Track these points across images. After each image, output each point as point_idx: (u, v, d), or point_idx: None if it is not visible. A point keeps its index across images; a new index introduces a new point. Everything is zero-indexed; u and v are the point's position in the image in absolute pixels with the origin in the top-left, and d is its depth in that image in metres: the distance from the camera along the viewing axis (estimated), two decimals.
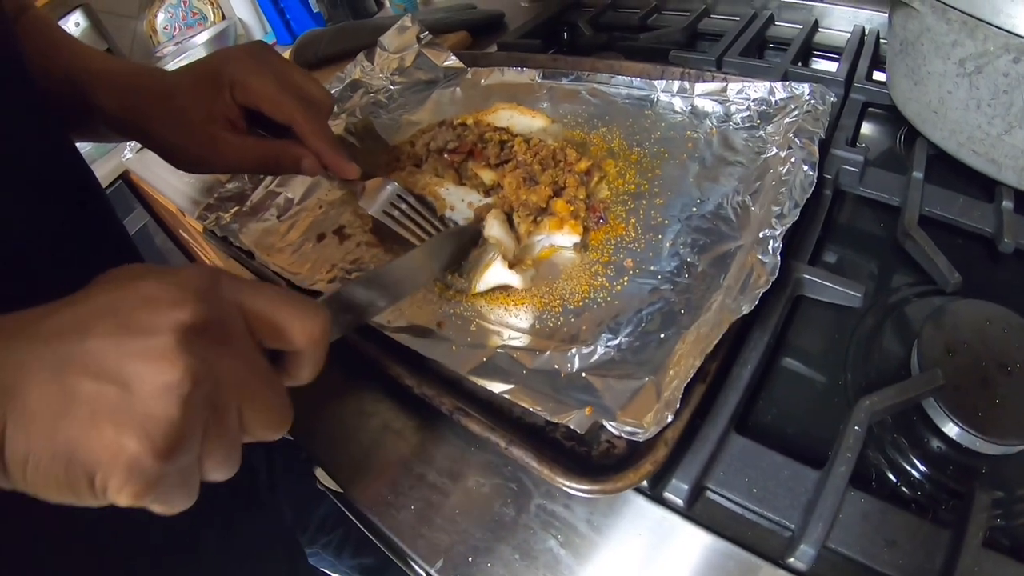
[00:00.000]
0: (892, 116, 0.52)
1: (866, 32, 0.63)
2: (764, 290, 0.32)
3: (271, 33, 1.55)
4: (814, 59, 0.66)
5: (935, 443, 0.33)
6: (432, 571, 0.34)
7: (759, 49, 0.67)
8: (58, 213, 0.40)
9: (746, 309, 0.31)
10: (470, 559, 0.33)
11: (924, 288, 0.40)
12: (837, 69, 0.57)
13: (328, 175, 0.44)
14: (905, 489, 0.32)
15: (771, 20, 0.69)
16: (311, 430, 0.42)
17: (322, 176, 0.44)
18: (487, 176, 0.44)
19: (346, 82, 0.68)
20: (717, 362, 0.32)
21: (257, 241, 0.53)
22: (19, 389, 0.22)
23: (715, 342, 0.30)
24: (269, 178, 0.60)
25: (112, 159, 1.25)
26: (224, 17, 1.81)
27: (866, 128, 0.55)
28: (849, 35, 0.63)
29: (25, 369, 0.23)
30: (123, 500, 0.23)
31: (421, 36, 0.70)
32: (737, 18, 0.71)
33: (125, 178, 1.29)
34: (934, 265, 0.38)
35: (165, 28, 1.69)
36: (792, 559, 0.28)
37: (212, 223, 0.57)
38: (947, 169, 0.46)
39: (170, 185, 0.82)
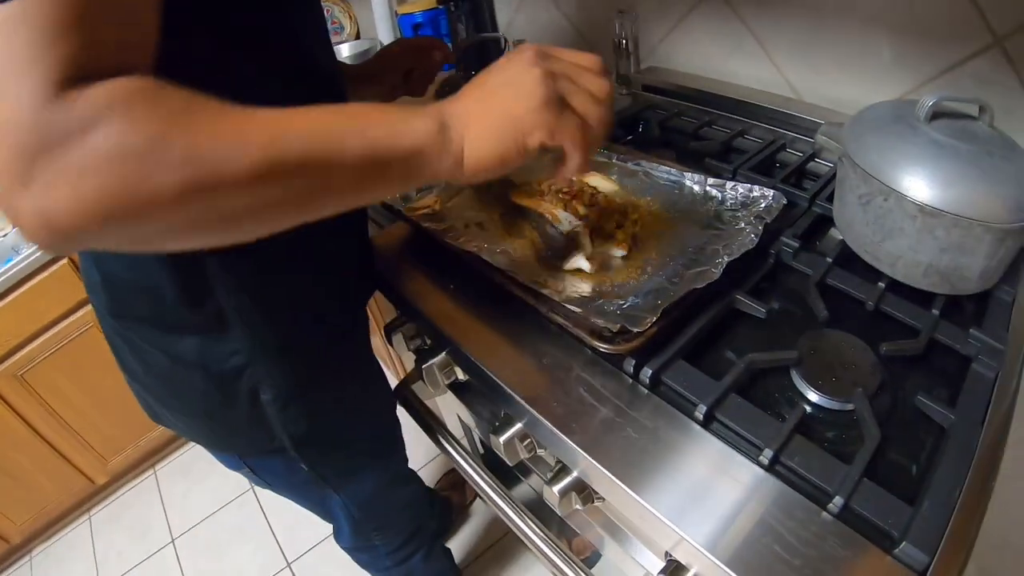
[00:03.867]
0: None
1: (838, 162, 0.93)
2: (710, 280, 0.63)
3: None
4: (805, 180, 0.94)
5: (795, 396, 0.60)
6: (516, 394, 0.62)
7: (768, 167, 0.95)
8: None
9: (698, 285, 0.62)
10: (538, 393, 0.62)
11: (813, 323, 0.68)
12: (809, 189, 0.87)
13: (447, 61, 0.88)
14: (770, 411, 0.59)
15: (782, 147, 0.97)
16: (452, 332, 0.73)
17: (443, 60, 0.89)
18: (582, 210, 0.76)
19: None
20: (678, 312, 0.63)
21: (418, 218, 0.84)
22: (464, 113, 0.43)
23: (676, 299, 0.62)
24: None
25: None
26: (359, 33, 2.10)
27: (832, 232, 0.83)
28: (830, 167, 0.92)
29: (463, 107, 0.44)
30: (546, 140, 0.44)
31: None
32: (760, 141, 1.00)
33: None
34: (816, 305, 0.68)
35: None
36: (695, 414, 0.57)
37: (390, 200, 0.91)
38: (855, 262, 0.73)
39: None
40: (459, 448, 0.81)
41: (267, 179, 0.36)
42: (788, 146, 1.00)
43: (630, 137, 1.08)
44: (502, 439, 0.66)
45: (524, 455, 0.69)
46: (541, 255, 0.74)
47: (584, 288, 0.69)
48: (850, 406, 0.58)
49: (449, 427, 0.85)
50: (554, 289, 0.68)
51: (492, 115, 0.43)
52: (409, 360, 0.90)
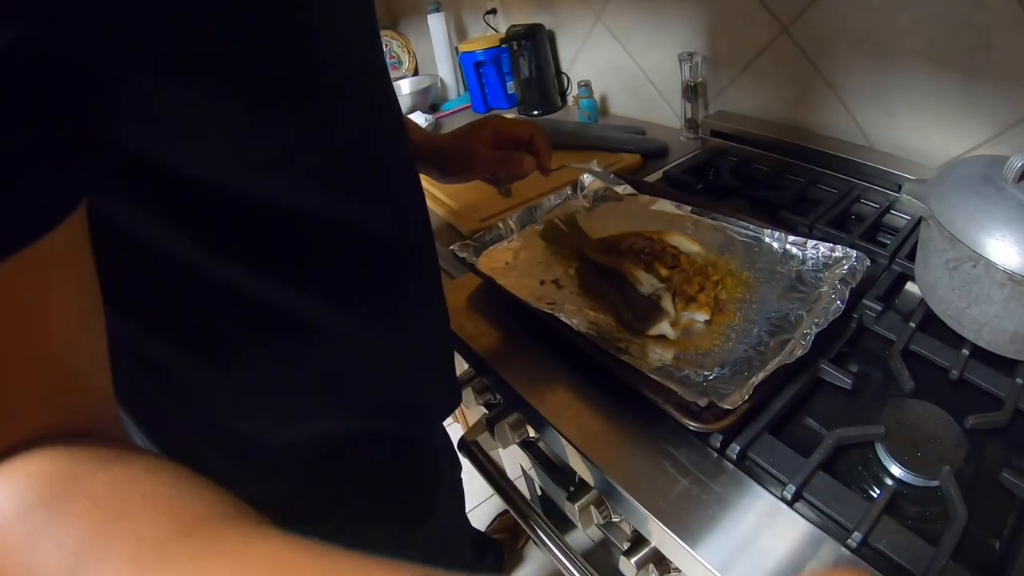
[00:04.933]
0: None
1: (920, 222, 0.92)
2: (800, 355, 0.64)
3: (466, 96, 1.85)
4: (880, 233, 0.94)
5: (880, 471, 0.59)
6: (596, 463, 0.62)
7: (843, 219, 0.95)
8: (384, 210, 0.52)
9: (788, 360, 0.64)
10: (618, 464, 0.63)
11: (897, 391, 0.68)
12: (889, 244, 0.86)
13: (545, 170, 0.80)
14: (854, 486, 0.60)
15: (857, 199, 0.97)
16: (530, 389, 0.76)
17: (533, 170, 0.79)
18: (665, 272, 0.79)
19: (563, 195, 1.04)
20: (767, 388, 0.64)
21: (491, 272, 0.87)
22: None
23: (768, 373, 0.63)
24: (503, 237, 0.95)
25: None
26: (417, 68, 2.12)
27: (910, 286, 0.83)
28: (908, 220, 0.92)
29: None
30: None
31: (607, 176, 1.04)
32: (834, 191, 1.00)
33: None
34: (900, 375, 0.68)
35: None
36: (784, 493, 0.59)
37: (461, 252, 0.89)
38: (938, 326, 0.73)
39: None
40: (517, 496, 0.83)
41: None
42: (862, 196, 1.00)
43: (700, 186, 1.10)
44: (577, 506, 0.69)
45: (598, 521, 0.71)
46: (621, 317, 0.77)
47: (666, 355, 0.71)
48: (935, 482, 0.59)
49: (509, 473, 0.87)
50: (636, 356, 0.70)
51: None
52: (476, 412, 0.91)
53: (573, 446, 0.67)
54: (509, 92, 1.74)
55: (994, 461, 0.59)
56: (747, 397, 0.61)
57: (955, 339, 0.70)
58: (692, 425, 0.62)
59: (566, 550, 0.75)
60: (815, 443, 0.62)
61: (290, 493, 0.57)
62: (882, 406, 0.67)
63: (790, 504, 0.58)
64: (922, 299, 0.77)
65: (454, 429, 0.95)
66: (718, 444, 0.64)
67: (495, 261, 0.90)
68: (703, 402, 0.62)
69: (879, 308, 0.76)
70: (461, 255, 0.89)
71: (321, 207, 0.44)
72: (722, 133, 1.20)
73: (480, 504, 1.86)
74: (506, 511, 1.76)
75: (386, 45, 2.06)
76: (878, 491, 0.59)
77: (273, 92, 0.36)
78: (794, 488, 0.58)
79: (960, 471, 0.59)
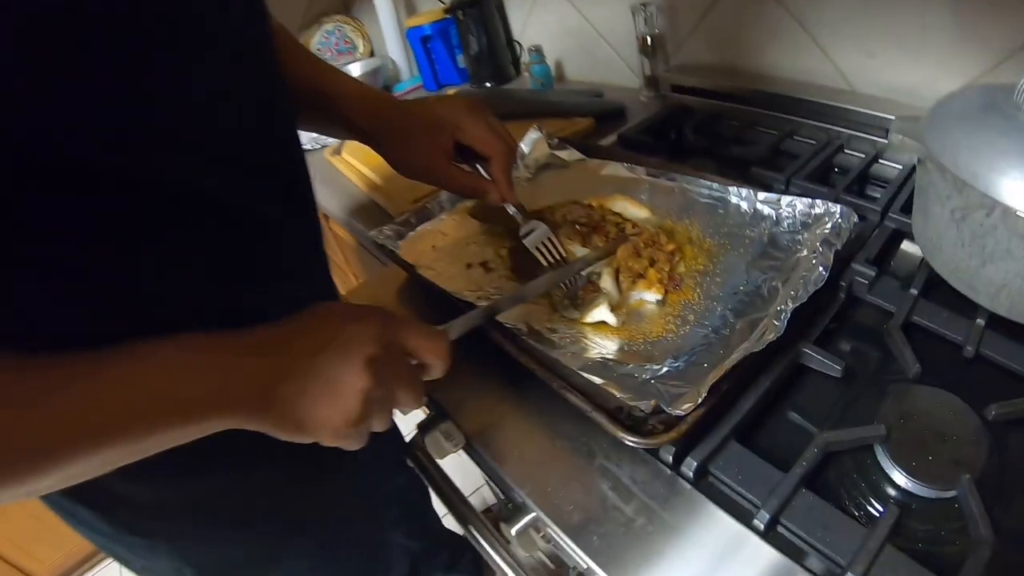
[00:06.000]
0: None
1: (914, 170, 0.78)
2: (771, 340, 0.50)
3: (418, 76, 1.75)
4: (869, 186, 0.82)
5: (880, 480, 0.47)
6: (522, 492, 0.51)
7: (825, 173, 0.83)
8: (274, 191, 0.51)
9: (757, 348, 0.49)
10: (548, 489, 0.51)
11: (899, 375, 0.55)
12: (879, 198, 0.73)
13: (502, 203, 0.65)
14: (852, 506, 0.47)
15: (840, 148, 0.85)
16: (451, 398, 0.63)
17: (497, 204, 0.65)
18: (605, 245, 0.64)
19: None
20: (728, 384, 0.49)
21: (415, 260, 0.74)
22: (281, 386, 0.40)
23: (729, 367, 0.49)
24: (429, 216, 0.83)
25: None
26: (372, 51, 2.03)
27: (906, 246, 0.69)
28: (900, 170, 0.78)
29: (283, 376, 0.40)
30: (324, 442, 0.42)
31: (551, 142, 0.90)
32: (814, 142, 0.87)
33: None
34: (903, 357, 0.54)
35: (318, 50, 1.93)
36: (755, 521, 0.45)
37: (382, 239, 0.78)
38: (944, 290, 0.60)
39: (322, 194, 1.06)
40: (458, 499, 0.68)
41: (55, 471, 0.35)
42: (846, 146, 0.87)
43: (661, 147, 0.96)
44: (514, 530, 0.55)
45: (542, 546, 0.58)
46: (556, 303, 0.63)
47: (609, 347, 0.57)
48: (951, 492, 0.46)
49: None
50: (571, 349, 0.56)
51: (300, 402, 0.41)
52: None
53: (488, 464, 0.54)
54: (460, 66, 1.64)
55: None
56: (701, 399, 0.47)
57: (967, 307, 0.58)
58: (629, 440, 0.47)
59: (514, 564, 0.61)
60: (796, 449, 0.48)
61: None
62: (881, 395, 0.53)
63: (763, 534, 0.45)
64: (923, 259, 0.64)
65: None
66: (670, 458, 0.49)
67: (421, 245, 0.78)
68: (646, 406, 0.48)
69: (872, 273, 0.62)
70: (380, 242, 0.78)
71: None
72: (685, 88, 1.09)
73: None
74: (488, 508, 1.64)
75: (339, 30, 1.96)
76: (878, 508, 0.46)
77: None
78: (768, 514, 0.44)
79: (982, 476, 0.46)
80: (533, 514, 0.52)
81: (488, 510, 1.64)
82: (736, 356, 0.50)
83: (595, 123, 1.11)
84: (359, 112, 0.64)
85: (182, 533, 0.58)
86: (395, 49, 1.87)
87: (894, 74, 0.87)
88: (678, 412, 0.47)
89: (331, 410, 0.41)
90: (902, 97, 0.87)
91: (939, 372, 0.54)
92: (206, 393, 0.39)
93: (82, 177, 0.35)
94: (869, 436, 0.48)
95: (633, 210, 0.71)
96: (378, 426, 0.45)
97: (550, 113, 1.14)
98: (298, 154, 0.55)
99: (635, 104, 1.18)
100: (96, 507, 0.53)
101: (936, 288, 0.61)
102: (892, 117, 0.82)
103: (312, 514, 0.67)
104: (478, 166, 0.67)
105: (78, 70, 0.33)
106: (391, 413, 0.46)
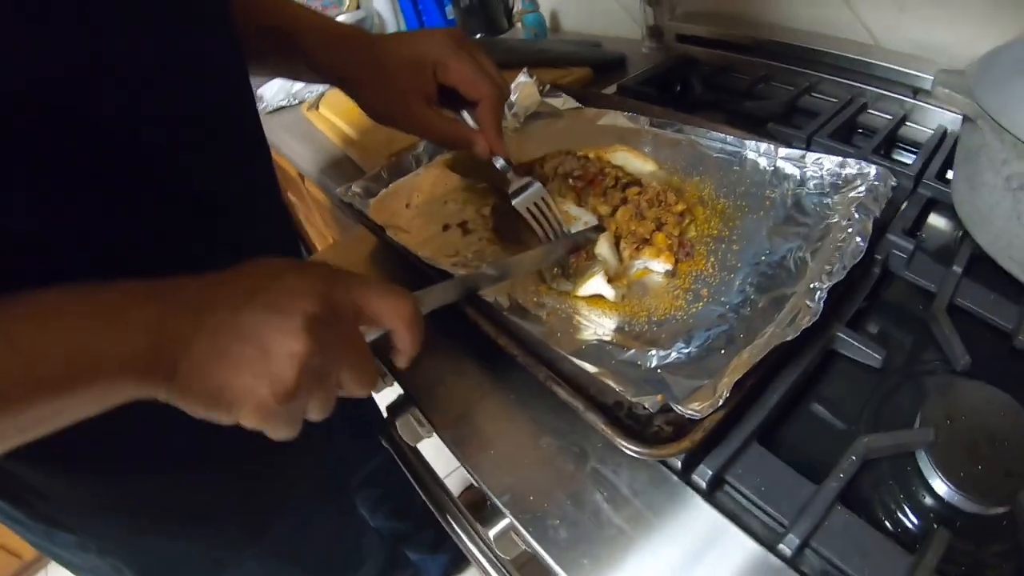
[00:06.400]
0: (954, 213, 0.59)
1: (947, 134, 0.69)
2: (807, 326, 0.42)
3: (405, 30, 1.62)
4: (896, 150, 0.73)
5: (921, 491, 0.40)
6: (499, 502, 0.43)
7: (848, 133, 0.75)
8: (226, 153, 0.48)
9: (790, 336, 0.41)
10: (531, 498, 0.43)
11: (942, 365, 0.47)
12: (912, 163, 0.64)
13: (490, 156, 0.54)
14: (887, 520, 0.39)
15: (864, 107, 0.76)
16: (418, 383, 0.54)
17: (484, 157, 0.55)
18: (603, 207, 0.55)
19: None
20: (754, 379, 0.41)
21: (386, 221, 0.64)
22: (190, 345, 0.31)
23: (758, 359, 0.40)
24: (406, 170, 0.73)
25: None
26: (359, 3, 1.92)
27: (933, 219, 0.62)
28: (931, 133, 0.70)
29: (195, 329, 0.31)
30: (247, 424, 0.32)
31: (542, 88, 0.81)
32: (835, 100, 0.78)
33: None
34: (950, 346, 0.46)
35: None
36: (781, 545, 0.37)
37: (349, 197, 0.68)
38: (989, 269, 0.53)
39: (298, 152, 0.98)
40: (431, 480, 0.63)
41: None
42: (870, 106, 0.78)
43: (666, 100, 0.85)
44: (492, 533, 0.47)
45: (524, 547, 0.49)
46: (544, 273, 0.54)
47: (607, 325, 0.49)
48: (1001, 509, 0.38)
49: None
50: (560, 329, 0.48)
51: (215, 366, 0.32)
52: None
53: (471, 472, 0.46)
54: (449, 18, 1.55)
55: None
56: (722, 401, 0.38)
57: (1015, 289, 0.51)
58: (630, 449, 0.39)
59: (495, 562, 0.55)
60: (823, 451, 0.41)
61: None
62: (920, 390, 0.46)
63: (790, 562, 0.37)
64: (963, 234, 0.56)
65: None
66: (679, 464, 0.41)
67: (394, 204, 0.69)
68: (651, 403, 0.40)
69: (910, 247, 0.53)
70: (347, 200, 0.68)
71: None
72: (690, 37, 0.99)
73: (446, 477, 1.67)
74: (471, 485, 1.58)
75: None
76: (916, 523, 0.39)
77: None
78: (798, 539, 0.36)
79: None
80: (508, 520, 0.44)
81: (471, 486, 1.58)
82: (763, 342, 0.41)
83: (592, 74, 1.02)
84: (324, 49, 0.55)
85: (115, 533, 0.51)
86: (380, 1, 1.76)
87: (924, 30, 0.78)
88: (691, 413, 0.38)
89: (256, 379, 0.32)
90: (933, 56, 0.77)
91: (986, 365, 0.46)
92: (82, 348, 0.30)
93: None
94: (916, 441, 0.40)
95: (637, 163, 0.61)
96: (315, 410, 0.35)
97: (543, 62, 1.03)
98: (242, 111, 0.50)
99: (637, 56, 1.08)
100: (8, 497, 0.46)
101: (980, 268, 0.53)
102: (922, 75, 0.74)
103: (273, 511, 0.60)
104: (464, 112, 0.57)
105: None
106: (333, 395, 0.36)
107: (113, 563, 0.52)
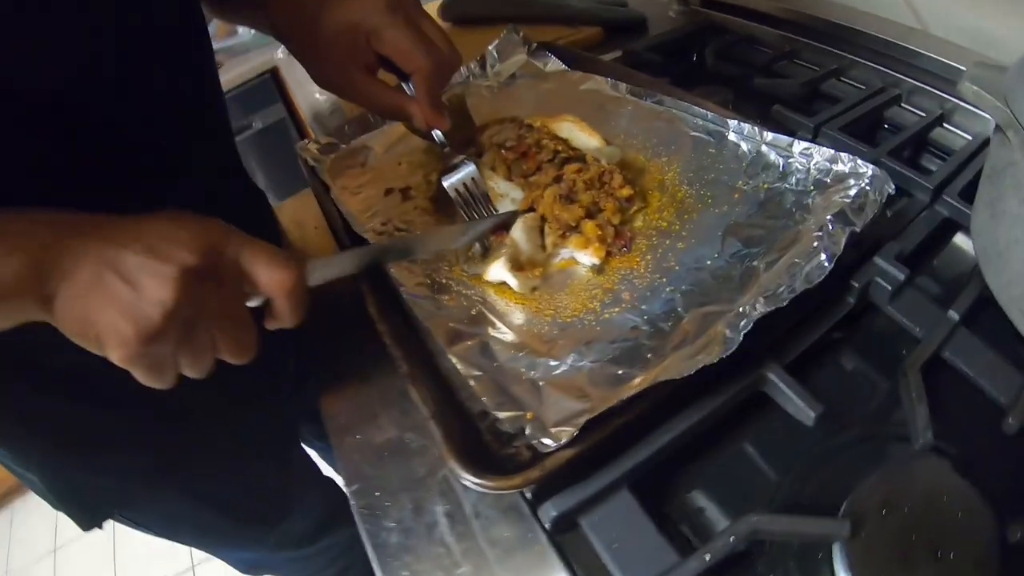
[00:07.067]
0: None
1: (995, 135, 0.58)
2: (708, 363, 0.33)
3: None
4: (926, 156, 0.63)
5: None
6: (347, 490, 0.42)
7: (871, 128, 0.64)
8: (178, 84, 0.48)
9: (676, 375, 0.33)
10: (377, 494, 0.41)
11: (901, 433, 0.37)
12: (935, 172, 0.54)
13: (427, 129, 0.50)
14: None
15: (896, 100, 0.66)
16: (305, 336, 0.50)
17: (423, 133, 0.51)
18: (532, 184, 0.48)
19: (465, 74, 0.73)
20: (633, 415, 0.33)
21: (337, 180, 0.61)
22: (72, 272, 0.33)
23: (633, 393, 0.32)
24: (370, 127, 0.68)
25: (267, 52, 1.36)
26: None
27: (958, 240, 0.51)
28: (969, 140, 0.59)
29: (80, 258, 0.33)
30: (115, 361, 0.34)
31: (530, 47, 0.74)
32: (863, 87, 0.68)
33: (273, 73, 1.39)
34: (913, 416, 0.36)
35: None
36: None
37: (304, 152, 0.65)
38: (994, 320, 0.42)
39: (306, 93, 0.94)
40: None
41: None
42: (904, 99, 0.67)
43: (671, 71, 0.76)
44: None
45: None
46: (460, 254, 0.46)
47: (511, 319, 0.42)
48: None
49: None
50: (449, 320, 0.40)
51: (87, 298, 0.33)
52: None
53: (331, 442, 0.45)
54: None
55: None
56: (577, 431, 0.30)
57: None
58: (463, 475, 0.32)
59: None
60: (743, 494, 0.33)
61: None
62: (870, 454, 0.37)
63: None
64: (976, 267, 0.45)
65: None
66: (530, 494, 0.34)
67: (351, 161, 0.65)
68: (510, 422, 0.32)
69: (901, 277, 0.43)
70: (302, 155, 0.65)
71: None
72: (718, 3, 0.88)
73: None
74: None
75: None
76: None
77: None
78: None
79: None
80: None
81: None
82: (652, 374, 0.33)
83: (603, 34, 0.92)
84: (282, 8, 0.53)
85: (29, 451, 0.54)
86: None
87: (981, 17, 0.68)
88: (545, 444, 0.30)
89: (121, 316, 0.33)
90: (988, 50, 0.67)
91: (959, 443, 0.36)
92: None
93: None
94: (824, 533, 0.31)
95: (583, 136, 0.52)
96: (188, 367, 0.36)
97: (548, 18, 0.94)
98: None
99: (663, 19, 0.97)
100: None
101: (985, 315, 0.43)
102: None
103: (194, 451, 0.60)
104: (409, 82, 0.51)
105: None
106: (208, 354, 0.36)
107: (33, 480, 0.55)
